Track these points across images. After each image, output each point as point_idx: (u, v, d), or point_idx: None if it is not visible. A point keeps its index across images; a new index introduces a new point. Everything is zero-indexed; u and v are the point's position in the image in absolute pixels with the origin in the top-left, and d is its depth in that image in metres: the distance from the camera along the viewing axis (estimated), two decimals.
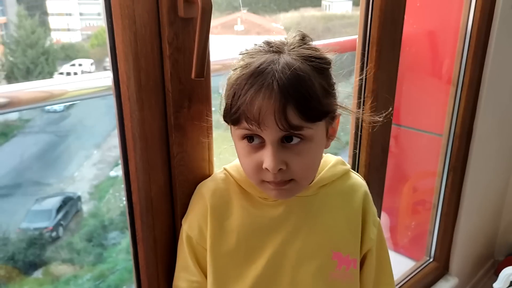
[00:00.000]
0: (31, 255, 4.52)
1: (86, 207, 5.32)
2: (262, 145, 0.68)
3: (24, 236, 4.66)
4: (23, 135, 5.35)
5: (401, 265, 1.75)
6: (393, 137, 1.66)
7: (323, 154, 0.82)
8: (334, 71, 0.72)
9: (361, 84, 1.14)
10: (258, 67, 0.65)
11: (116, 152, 5.12)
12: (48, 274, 4.55)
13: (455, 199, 1.71)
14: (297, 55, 0.67)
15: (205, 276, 0.79)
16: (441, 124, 1.63)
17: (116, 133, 0.76)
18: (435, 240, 1.76)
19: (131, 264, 0.85)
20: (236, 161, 0.79)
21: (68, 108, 5.43)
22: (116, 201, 5.18)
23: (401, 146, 1.73)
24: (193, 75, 0.70)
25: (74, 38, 6.42)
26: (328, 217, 0.79)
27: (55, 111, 5.45)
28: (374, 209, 0.86)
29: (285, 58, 0.66)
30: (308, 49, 0.69)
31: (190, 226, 0.80)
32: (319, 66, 0.68)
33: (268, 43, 0.70)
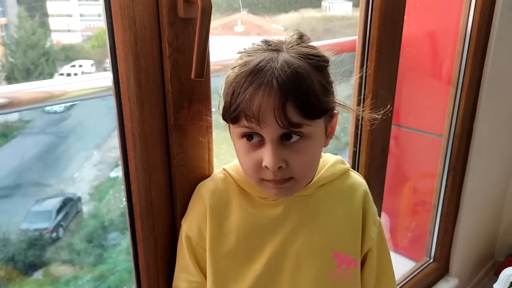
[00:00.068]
0: (31, 256, 4.52)
1: (86, 208, 5.32)
2: (261, 143, 0.68)
3: (24, 237, 4.66)
4: (23, 136, 5.35)
5: (401, 266, 1.75)
6: (393, 138, 1.66)
7: (322, 154, 0.82)
8: (332, 71, 0.73)
9: (361, 85, 1.14)
10: (257, 65, 0.65)
11: (116, 153, 5.12)
12: (48, 275, 4.55)
13: (455, 199, 1.71)
14: (296, 53, 0.67)
15: (205, 276, 0.79)
16: (441, 124, 1.63)
17: (116, 134, 0.76)
18: (435, 241, 1.76)
19: (131, 265, 0.85)
20: (236, 161, 0.79)
21: (68, 109, 5.44)
22: (116, 202, 5.18)
23: (401, 146, 1.73)
24: (193, 75, 0.70)
25: (74, 39, 6.42)
26: (327, 217, 0.79)
27: (55, 112, 5.46)
28: (374, 208, 0.85)
29: (284, 56, 0.66)
30: (307, 47, 0.69)
31: (189, 226, 0.80)
32: (317, 64, 0.68)
33: (266, 42, 0.70)
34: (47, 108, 5.09)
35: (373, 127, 1.15)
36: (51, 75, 5.77)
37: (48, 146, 5.31)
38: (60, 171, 5.41)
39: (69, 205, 5.07)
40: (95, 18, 6.36)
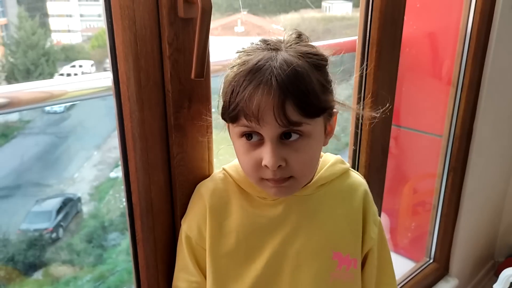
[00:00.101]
0: (31, 256, 4.52)
1: (86, 208, 5.31)
2: (261, 142, 0.68)
3: (24, 237, 4.65)
4: (23, 136, 5.35)
5: (401, 266, 1.75)
6: (393, 138, 1.66)
7: (322, 154, 0.82)
8: (332, 71, 0.73)
9: (361, 85, 1.14)
10: (256, 64, 0.65)
11: (116, 153, 5.12)
12: (48, 275, 4.54)
13: (455, 200, 1.71)
14: (295, 52, 0.68)
15: (205, 276, 0.79)
16: (441, 125, 1.63)
17: (116, 134, 0.76)
18: (435, 241, 1.76)
19: (131, 265, 0.85)
20: (235, 161, 0.79)
21: (68, 109, 5.43)
22: (116, 202, 5.18)
23: (401, 147, 1.73)
24: (193, 75, 0.70)
25: (74, 39, 6.42)
26: (327, 217, 0.79)
27: (55, 112, 5.45)
28: (374, 208, 0.85)
29: (282, 55, 0.66)
30: (305, 46, 0.70)
31: (189, 226, 0.80)
32: (316, 62, 0.68)
33: (265, 41, 0.70)
34: (47, 108, 5.09)
35: (373, 127, 1.16)
36: (51, 75, 5.77)
37: (48, 146, 5.31)
38: (60, 171, 5.40)
39: (69, 205, 5.07)
40: (95, 19, 6.36)
